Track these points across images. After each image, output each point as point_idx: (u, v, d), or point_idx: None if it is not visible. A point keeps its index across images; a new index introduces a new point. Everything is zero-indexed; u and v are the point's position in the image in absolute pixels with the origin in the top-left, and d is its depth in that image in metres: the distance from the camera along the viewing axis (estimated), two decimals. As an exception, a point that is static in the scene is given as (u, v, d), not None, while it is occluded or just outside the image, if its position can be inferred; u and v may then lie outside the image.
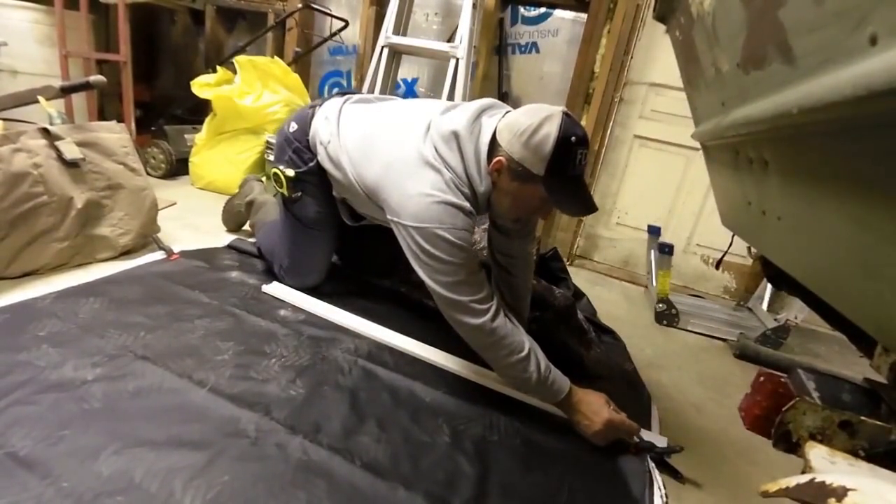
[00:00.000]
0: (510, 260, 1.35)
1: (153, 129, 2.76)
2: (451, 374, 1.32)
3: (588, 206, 1.10)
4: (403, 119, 1.25)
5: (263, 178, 2.10)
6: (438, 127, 1.15)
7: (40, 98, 1.68)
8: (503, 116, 1.13)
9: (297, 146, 1.43)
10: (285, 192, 1.46)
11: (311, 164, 1.41)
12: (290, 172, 1.42)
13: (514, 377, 1.15)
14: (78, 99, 2.56)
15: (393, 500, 0.89)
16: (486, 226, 1.44)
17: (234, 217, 2.05)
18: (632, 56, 2.50)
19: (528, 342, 1.12)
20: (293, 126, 1.45)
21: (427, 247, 1.08)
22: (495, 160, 1.09)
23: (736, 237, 1.10)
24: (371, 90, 2.49)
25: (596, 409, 1.13)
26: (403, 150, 1.17)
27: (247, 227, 2.03)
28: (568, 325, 1.57)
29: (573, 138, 1.01)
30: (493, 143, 1.10)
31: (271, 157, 2.36)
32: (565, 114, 1.04)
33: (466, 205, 1.10)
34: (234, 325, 1.33)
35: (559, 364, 1.46)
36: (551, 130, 1.01)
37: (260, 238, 1.76)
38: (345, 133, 1.33)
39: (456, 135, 1.12)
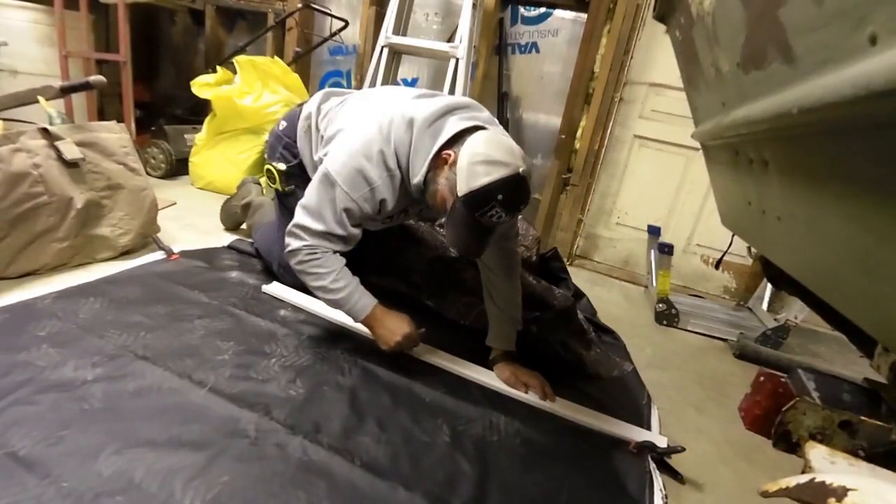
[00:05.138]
0: (496, 260, 1.35)
1: (153, 129, 2.76)
2: (451, 374, 1.32)
3: (466, 250, 1.15)
4: (375, 102, 1.29)
5: (262, 181, 2.11)
6: (403, 109, 1.18)
7: (40, 98, 1.68)
8: (483, 126, 1.14)
9: (286, 142, 1.47)
10: (279, 188, 1.50)
11: (299, 159, 1.45)
12: (282, 166, 1.47)
13: (320, 298, 1.25)
14: (78, 99, 2.56)
15: (393, 500, 0.89)
16: None
17: (232, 217, 2.06)
18: (632, 56, 2.50)
19: (330, 278, 1.20)
20: (283, 124, 1.50)
21: (321, 189, 1.17)
22: (447, 151, 1.11)
23: (736, 237, 1.10)
24: (371, 90, 2.49)
25: (397, 322, 1.24)
26: (364, 118, 1.23)
27: (245, 226, 2.03)
28: (568, 325, 1.57)
29: (499, 196, 1.03)
30: (456, 139, 1.12)
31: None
32: (519, 175, 1.04)
33: (379, 182, 1.15)
34: (234, 325, 1.33)
35: (558, 364, 1.47)
36: (490, 175, 1.03)
37: (257, 238, 1.77)
38: (328, 124, 1.36)
39: (413, 122, 1.15)
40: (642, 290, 2.54)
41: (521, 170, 1.04)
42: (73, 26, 2.50)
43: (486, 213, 1.04)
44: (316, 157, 1.36)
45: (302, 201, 1.21)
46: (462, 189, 1.05)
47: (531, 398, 1.27)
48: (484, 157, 1.04)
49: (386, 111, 1.20)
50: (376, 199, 1.17)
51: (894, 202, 0.41)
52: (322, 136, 1.35)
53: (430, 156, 1.13)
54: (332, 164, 1.17)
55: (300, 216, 1.20)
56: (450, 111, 1.17)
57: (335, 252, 1.22)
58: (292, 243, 1.21)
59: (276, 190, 1.52)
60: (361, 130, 1.19)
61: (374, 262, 1.77)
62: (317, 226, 1.18)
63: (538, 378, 1.30)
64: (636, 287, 2.60)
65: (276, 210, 1.60)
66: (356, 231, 1.22)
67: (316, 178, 1.20)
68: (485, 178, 1.02)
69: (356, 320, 1.25)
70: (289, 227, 1.22)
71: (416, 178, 1.15)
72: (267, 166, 1.51)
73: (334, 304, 1.23)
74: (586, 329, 1.63)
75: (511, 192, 1.04)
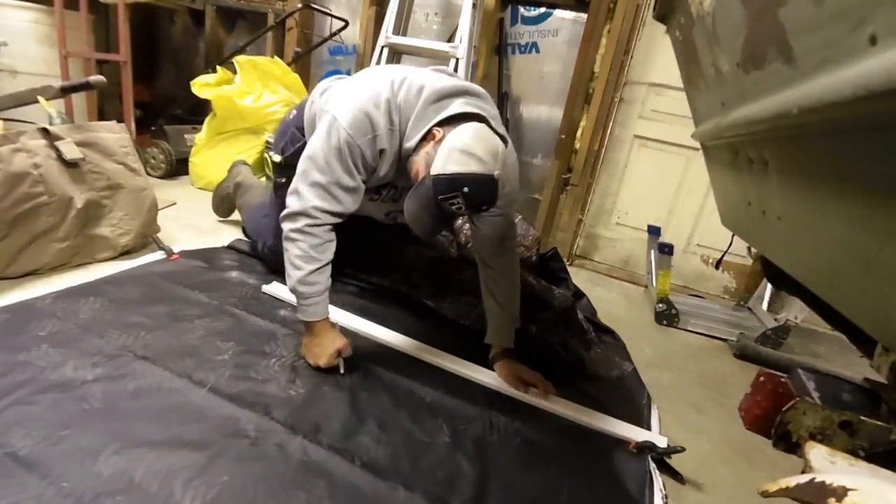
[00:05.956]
0: (494, 258, 1.36)
1: (153, 129, 2.76)
2: (451, 374, 1.32)
3: (417, 227, 1.12)
4: (388, 67, 1.33)
5: (251, 164, 2.20)
6: (417, 76, 1.19)
7: (40, 98, 1.68)
8: (482, 114, 1.15)
9: (293, 131, 1.46)
10: (272, 177, 1.52)
11: (299, 145, 1.43)
12: (277, 158, 1.48)
13: (287, 272, 1.20)
14: (78, 99, 2.56)
15: (393, 500, 0.89)
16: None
17: (224, 201, 2.11)
18: (632, 56, 2.50)
19: (316, 266, 1.16)
20: (293, 113, 1.51)
21: (326, 136, 1.14)
22: (438, 129, 1.12)
23: (736, 237, 1.10)
24: (371, 90, 2.49)
25: (328, 344, 1.20)
26: (375, 74, 1.22)
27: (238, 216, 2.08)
28: (568, 325, 1.57)
29: (466, 189, 1.03)
30: (452, 120, 1.13)
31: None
32: (492, 178, 1.04)
33: (382, 131, 1.14)
34: (234, 325, 1.33)
35: (558, 364, 1.47)
36: (464, 167, 1.03)
37: (246, 219, 1.83)
38: (329, 94, 1.36)
39: (423, 90, 1.16)
40: (642, 290, 2.54)
41: (495, 174, 1.05)
42: (73, 26, 2.49)
43: (449, 200, 1.05)
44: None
45: (306, 152, 1.18)
46: (436, 168, 1.06)
47: (531, 398, 1.27)
48: (466, 147, 1.05)
49: (399, 72, 1.21)
50: (377, 147, 1.16)
51: (894, 202, 0.41)
52: (328, 101, 1.32)
53: (430, 126, 1.13)
54: (337, 109, 1.15)
55: (306, 167, 1.16)
56: (460, 93, 1.18)
57: (332, 228, 1.19)
58: (293, 204, 1.16)
59: (274, 180, 1.54)
60: (371, 82, 1.18)
61: (374, 262, 1.77)
62: (323, 177, 1.14)
63: (538, 376, 1.30)
64: (636, 287, 2.59)
65: (270, 195, 1.64)
66: (362, 185, 1.20)
67: (321, 127, 1.17)
68: (457, 167, 1.03)
69: (299, 317, 1.22)
70: (293, 183, 1.18)
71: (409, 142, 1.16)
72: (265, 154, 1.53)
73: (295, 290, 1.19)
74: (586, 329, 1.63)
75: (478, 189, 1.04)
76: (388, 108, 1.15)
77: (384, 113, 1.14)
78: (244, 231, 1.83)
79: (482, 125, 1.12)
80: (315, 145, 1.16)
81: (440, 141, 1.10)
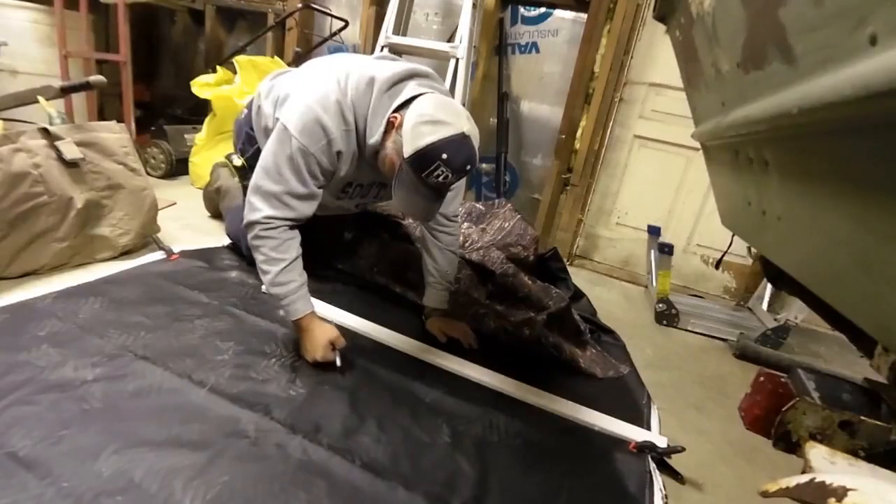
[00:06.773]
0: (439, 229, 1.41)
1: (153, 129, 2.76)
2: (451, 374, 1.32)
3: (415, 214, 1.13)
4: (331, 61, 1.28)
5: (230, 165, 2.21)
6: (363, 68, 1.18)
7: (40, 98, 1.68)
8: (433, 92, 1.15)
9: (246, 130, 1.46)
10: (240, 181, 1.54)
11: (257, 145, 1.43)
12: (238, 162, 1.48)
13: (262, 278, 1.20)
14: (78, 99, 2.56)
15: (393, 500, 0.89)
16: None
17: (213, 203, 2.12)
18: (632, 56, 2.50)
19: (281, 266, 1.16)
20: (244, 112, 1.49)
21: (278, 145, 1.14)
22: (394, 115, 1.12)
23: (736, 237, 1.10)
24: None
25: (320, 336, 1.19)
26: (320, 73, 1.21)
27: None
28: (562, 326, 1.57)
29: (444, 156, 1.03)
30: (407, 104, 1.12)
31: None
32: (464, 135, 1.04)
33: (336, 135, 1.13)
34: (234, 325, 1.33)
35: (556, 364, 1.47)
36: (436, 135, 1.03)
37: (227, 223, 1.84)
38: (275, 93, 1.35)
39: (374, 81, 1.15)
40: (642, 290, 2.54)
41: (465, 129, 1.04)
42: (73, 26, 2.49)
43: (432, 172, 1.04)
44: (271, 125, 1.32)
45: (260, 161, 1.18)
46: (407, 150, 1.05)
47: (531, 398, 1.27)
48: (428, 117, 1.04)
49: (344, 67, 1.19)
50: (332, 151, 1.15)
51: (894, 202, 0.41)
52: (275, 103, 1.31)
53: (388, 114, 1.13)
54: (287, 117, 1.14)
55: (259, 178, 1.17)
56: (410, 76, 1.18)
57: (292, 227, 1.18)
58: (247, 216, 1.17)
59: (241, 184, 1.56)
60: (318, 83, 1.17)
61: (368, 260, 1.77)
62: (276, 187, 1.14)
63: (463, 329, 1.44)
64: (636, 287, 2.59)
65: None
66: (318, 190, 1.19)
67: (273, 135, 1.17)
68: (429, 137, 1.03)
69: (287, 318, 1.23)
70: (248, 192, 1.19)
71: (373, 138, 1.15)
72: (227, 160, 1.53)
73: (272, 294, 1.20)
74: (582, 329, 1.63)
75: (455, 151, 1.04)
76: (340, 110, 1.14)
77: (335, 116, 1.13)
78: (227, 234, 1.84)
79: (434, 94, 1.12)
80: (267, 155, 1.16)
81: (400, 125, 1.09)
